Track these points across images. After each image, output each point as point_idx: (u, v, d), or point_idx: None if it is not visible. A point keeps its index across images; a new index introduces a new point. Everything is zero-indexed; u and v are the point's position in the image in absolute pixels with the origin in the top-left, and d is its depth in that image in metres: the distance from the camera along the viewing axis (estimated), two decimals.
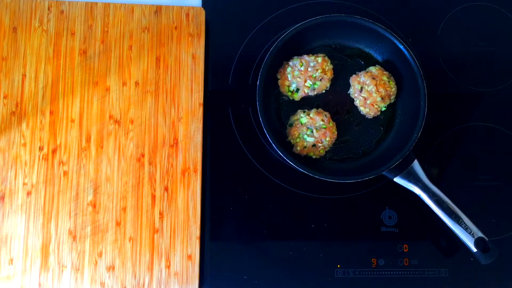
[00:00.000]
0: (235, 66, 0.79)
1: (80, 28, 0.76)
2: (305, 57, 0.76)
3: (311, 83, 0.75)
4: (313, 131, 0.73)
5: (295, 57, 0.77)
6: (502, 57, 0.83)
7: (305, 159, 0.74)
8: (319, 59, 0.75)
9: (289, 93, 0.76)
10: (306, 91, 0.76)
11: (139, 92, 0.75)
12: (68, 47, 0.76)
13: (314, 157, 0.74)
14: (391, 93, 0.75)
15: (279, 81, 0.77)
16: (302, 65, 0.75)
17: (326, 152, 0.75)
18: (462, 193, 0.76)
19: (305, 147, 0.73)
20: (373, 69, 0.76)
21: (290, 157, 0.70)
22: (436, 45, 0.82)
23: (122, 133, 0.74)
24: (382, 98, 0.75)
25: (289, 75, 0.75)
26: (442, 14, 0.83)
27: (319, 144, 0.73)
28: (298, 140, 0.74)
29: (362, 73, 0.76)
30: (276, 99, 0.77)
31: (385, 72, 0.76)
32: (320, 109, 0.75)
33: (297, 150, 0.74)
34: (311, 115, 0.74)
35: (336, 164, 0.76)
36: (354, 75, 0.77)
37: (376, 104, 0.75)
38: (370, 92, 0.74)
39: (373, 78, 0.75)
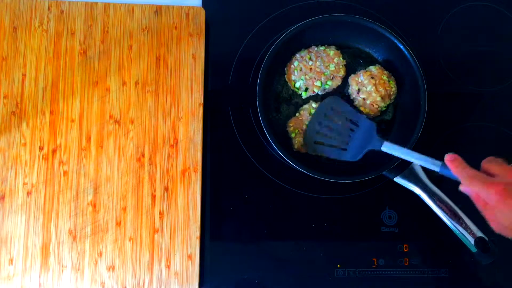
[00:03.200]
0: (235, 66, 0.79)
1: (80, 28, 0.76)
2: (314, 48, 0.75)
3: (321, 82, 0.75)
4: None
5: (303, 49, 0.76)
6: (502, 57, 0.83)
7: (305, 159, 0.74)
8: (331, 52, 0.74)
9: (297, 89, 0.76)
10: (315, 90, 0.75)
11: (139, 92, 0.75)
12: (68, 47, 0.76)
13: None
14: (391, 93, 0.75)
15: (285, 76, 0.77)
16: (310, 59, 0.74)
17: None
18: (462, 193, 0.76)
19: (303, 145, 0.73)
20: (373, 69, 0.76)
21: (290, 157, 0.70)
22: (436, 45, 0.82)
23: (122, 133, 0.74)
24: (382, 98, 0.74)
25: (295, 71, 0.75)
26: (442, 14, 0.83)
27: None
28: (293, 135, 0.74)
29: (361, 72, 0.76)
30: (276, 99, 0.77)
31: (385, 72, 0.76)
32: None
33: (295, 148, 0.74)
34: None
35: (336, 164, 0.76)
36: (352, 75, 0.77)
37: (376, 104, 0.75)
38: (369, 92, 0.74)
39: (372, 78, 0.75)
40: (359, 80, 0.75)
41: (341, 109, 0.73)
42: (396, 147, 0.68)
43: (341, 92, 0.78)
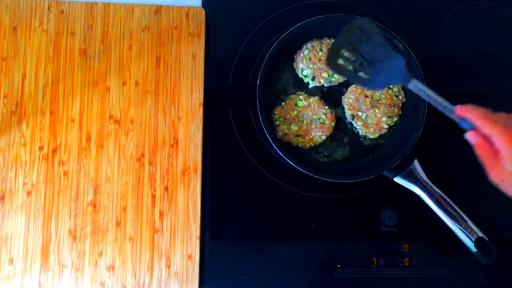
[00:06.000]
0: (235, 66, 0.79)
1: (80, 28, 0.76)
2: (326, 40, 0.74)
3: (329, 74, 0.74)
4: (303, 120, 0.73)
5: (315, 39, 0.76)
6: (502, 57, 0.83)
7: (305, 159, 0.74)
8: None
9: (304, 77, 0.76)
10: (321, 81, 0.75)
11: (139, 92, 0.75)
12: (68, 47, 0.76)
13: (300, 146, 0.74)
14: (399, 101, 0.74)
15: (294, 63, 0.77)
16: (320, 50, 0.74)
17: (313, 147, 0.75)
18: (462, 193, 0.76)
19: (286, 134, 0.73)
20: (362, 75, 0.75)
21: (291, 157, 0.70)
22: (436, 45, 0.82)
23: (122, 133, 0.74)
24: (388, 116, 0.74)
25: (304, 59, 0.74)
26: (442, 14, 0.83)
27: (307, 137, 0.73)
28: (278, 122, 0.74)
29: (350, 90, 0.75)
30: (276, 99, 0.77)
31: None
32: (322, 101, 0.75)
33: (278, 135, 0.74)
34: (310, 101, 0.73)
35: (336, 164, 0.76)
36: (343, 96, 0.76)
37: (382, 123, 0.74)
38: (368, 115, 0.73)
39: (366, 96, 0.73)
40: (350, 102, 0.74)
41: (374, 36, 0.67)
42: (424, 88, 0.63)
43: (348, 85, 0.77)
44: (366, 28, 0.67)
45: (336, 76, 0.75)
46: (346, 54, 0.67)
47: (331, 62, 0.67)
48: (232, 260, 0.73)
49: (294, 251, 0.73)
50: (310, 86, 0.77)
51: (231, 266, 0.72)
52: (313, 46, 0.75)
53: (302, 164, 0.70)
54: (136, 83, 0.75)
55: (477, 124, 0.57)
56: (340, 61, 0.67)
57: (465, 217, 0.69)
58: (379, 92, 0.74)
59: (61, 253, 0.70)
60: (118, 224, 0.71)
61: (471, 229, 0.68)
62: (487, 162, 0.56)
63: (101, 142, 0.73)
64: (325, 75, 0.75)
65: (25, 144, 0.72)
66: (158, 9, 0.78)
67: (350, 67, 0.67)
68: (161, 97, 0.75)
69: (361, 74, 0.67)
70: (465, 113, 0.58)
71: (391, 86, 0.75)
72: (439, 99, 0.62)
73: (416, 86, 0.64)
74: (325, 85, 0.76)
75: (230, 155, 0.76)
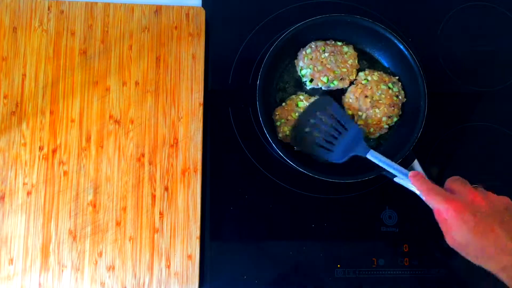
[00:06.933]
0: (235, 66, 0.79)
1: (80, 28, 0.76)
2: (331, 42, 0.74)
3: (328, 79, 0.74)
4: None
5: (320, 39, 0.75)
6: (502, 57, 0.83)
7: (305, 159, 0.74)
8: (350, 51, 0.74)
9: (302, 76, 0.76)
10: (319, 84, 0.75)
11: (139, 92, 0.75)
12: (68, 47, 0.76)
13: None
14: (399, 101, 0.74)
15: (295, 60, 0.76)
16: (324, 51, 0.74)
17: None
18: None
19: (287, 135, 0.73)
20: (362, 76, 0.74)
21: (291, 157, 0.70)
22: (436, 45, 0.82)
23: (122, 133, 0.74)
24: (387, 116, 0.74)
25: (305, 58, 0.74)
26: (442, 14, 0.83)
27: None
28: (278, 123, 0.73)
29: (350, 90, 0.75)
30: (276, 99, 0.77)
31: (383, 76, 0.76)
32: None
33: (279, 136, 0.73)
34: (311, 101, 0.73)
35: (336, 164, 0.75)
36: (343, 96, 0.76)
37: (382, 123, 0.74)
38: (368, 117, 0.73)
39: (366, 97, 0.73)
40: (350, 102, 0.74)
41: (333, 111, 0.71)
42: (380, 157, 0.68)
43: (344, 93, 0.77)
44: (326, 104, 0.72)
45: (335, 82, 0.75)
46: (308, 129, 0.71)
47: (296, 139, 0.72)
48: (232, 260, 0.73)
49: (294, 251, 0.73)
50: (307, 88, 0.76)
51: (231, 266, 0.72)
52: (316, 46, 0.75)
53: (302, 164, 0.70)
54: (136, 83, 0.75)
55: (423, 197, 0.61)
56: (307, 130, 0.71)
57: None
58: (379, 92, 0.74)
59: (61, 253, 0.70)
60: (118, 224, 0.71)
61: None
62: (443, 228, 0.59)
63: (101, 142, 0.73)
64: (324, 79, 0.74)
65: (25, 144, 0.72)
66: (158, 9, 0.78)
67: (315, 138, 0.71)
68: (161, 97, 0.75)
69: (324, 147, 0.71)
70: (414, 183, 0.63)
71: (391, 86, 0.75)
72: (396, 166, 0.67)
73: (373, 155, 0.68)
74: (323, 88, 0.76)
75: (230, 155, 0.76)
